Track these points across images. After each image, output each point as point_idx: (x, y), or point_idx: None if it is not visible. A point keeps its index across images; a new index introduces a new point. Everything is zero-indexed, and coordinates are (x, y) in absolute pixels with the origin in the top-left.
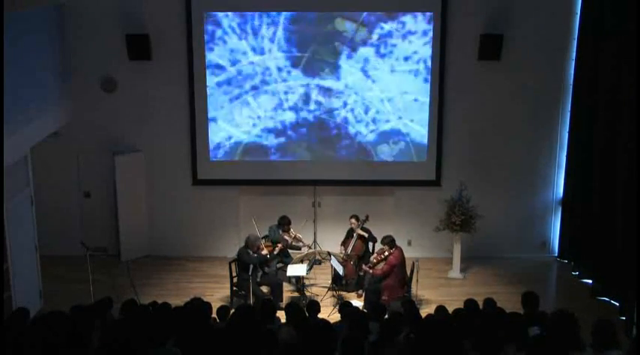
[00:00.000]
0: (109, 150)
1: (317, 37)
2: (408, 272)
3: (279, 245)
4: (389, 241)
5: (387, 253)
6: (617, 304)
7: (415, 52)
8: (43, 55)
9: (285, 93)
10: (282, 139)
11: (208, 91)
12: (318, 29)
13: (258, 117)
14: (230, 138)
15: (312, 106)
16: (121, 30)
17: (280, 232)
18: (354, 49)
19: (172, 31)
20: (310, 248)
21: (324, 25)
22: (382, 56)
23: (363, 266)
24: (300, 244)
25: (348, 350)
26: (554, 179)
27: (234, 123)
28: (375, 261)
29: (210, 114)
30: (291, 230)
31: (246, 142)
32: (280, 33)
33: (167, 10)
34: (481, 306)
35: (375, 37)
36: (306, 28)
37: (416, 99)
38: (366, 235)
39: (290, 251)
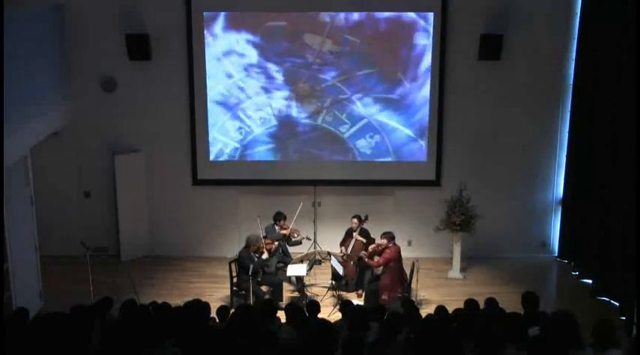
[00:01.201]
0: (109, 150)
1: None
2: (408, 273)
3: (277, 242)
4: (389, 236)
5: (383, 246)
6: (617, 304)
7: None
8: (43, 55)
9: (269, 104)
10: (273, 145)
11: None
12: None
13: (248, 127)
14: (226, 145)
15: (295, 112)
16: (121, 30)
17: (277, 229)
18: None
19: (172, 31)
20: (309, 239)
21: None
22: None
23: (362, 253)
24: (299, 238)
25: (349, 350)
26: (554, 179)
27: (228, 135)
28: (371, 250)
29: (210, 118)
30: (286, 224)
31: (241, 150)
32: (255, 50)
33: (167, 10)
34: (482, 306)
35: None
36: (281, 43)
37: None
38: (364, 241)
39: (290, 249)
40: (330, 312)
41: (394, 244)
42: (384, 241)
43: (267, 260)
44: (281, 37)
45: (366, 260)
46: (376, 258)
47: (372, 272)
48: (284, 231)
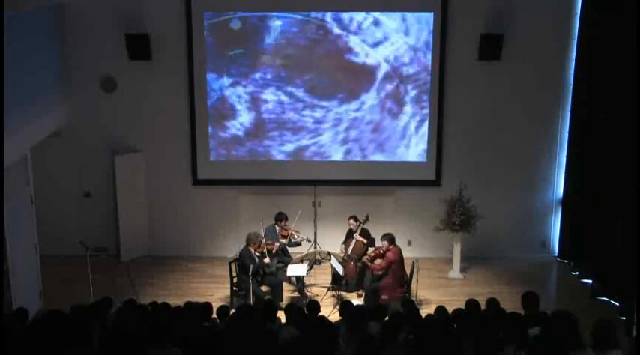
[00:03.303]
0: (109, 150)
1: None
2: (408, 272)
3: (278, 244)
4: (389, 238)
5: (384, 249)
6: (617, 304)
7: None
8: (43, 55)
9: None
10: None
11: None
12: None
13: (243, 126)
14: (223, 148)
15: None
16: (121, 30)
17: (278, 230)
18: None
19: (172, 31)
20: (309, 241)
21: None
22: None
23: (363, 258)
24: (299, 239)
25: (366, 347)
26: (554, 179)
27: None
28: (373, 254)
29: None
30: (287, 225)
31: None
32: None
33: (167, 10)
34: (483, 306)
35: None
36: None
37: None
38: (365, 241)
39: (290, 250)
40: (330, 312)
41: (395, 246)
42: (385, 243)
43: (268, 264)
44: (242, 61)
45: (369, 264)
46: (378, 261)
47: (372, 272)
48: (284, 233)
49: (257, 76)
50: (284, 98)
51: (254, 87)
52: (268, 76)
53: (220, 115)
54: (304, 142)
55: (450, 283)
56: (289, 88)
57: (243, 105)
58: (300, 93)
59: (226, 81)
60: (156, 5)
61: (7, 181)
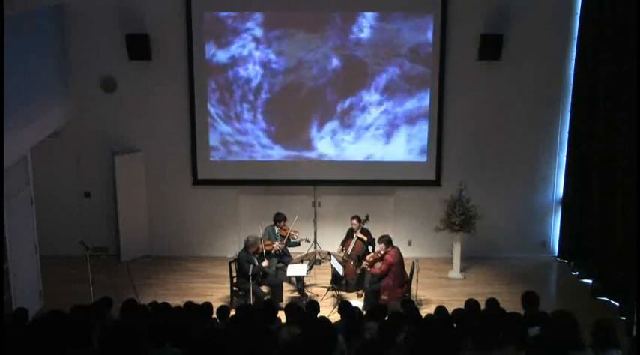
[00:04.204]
0: (109, 150)
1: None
2: (408, 272)
3: (277, 243)
4: (386, 241)
5: (383, 252)
6: (617, 304)
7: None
8: (43, 55)
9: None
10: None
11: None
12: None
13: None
14: (224, 146)
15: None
16: (121, 30)
17: (277, 231)
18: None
19: (172, 31)
20: (308, 241)
21: None
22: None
23: (363, 263)
24: (299, 239)
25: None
26: (554, 179)
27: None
28: (371, 258)
29: (210, 116)
30: (286, 225)
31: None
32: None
33: (167, 10)
34: (483, 306)
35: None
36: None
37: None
38: (365, 239)
39: (290, 250)
40: (330, 312)
41: (393, 247)
42: (382, 246)
43: (266, 267)
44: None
45: (369, 269)
46: (378, 265)
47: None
48: (283, 233)
49: (271, 55)
50: (253, 82)
51: (258, 53)
52: (272, 64)
53: (215, 30)
54: (213, 109)
55: (450, 283)
56: (266, 83)
57: (233, 51)
58: (262, 94)
59: (258, 31)
60: (156, 5)
61: (7, 181)
